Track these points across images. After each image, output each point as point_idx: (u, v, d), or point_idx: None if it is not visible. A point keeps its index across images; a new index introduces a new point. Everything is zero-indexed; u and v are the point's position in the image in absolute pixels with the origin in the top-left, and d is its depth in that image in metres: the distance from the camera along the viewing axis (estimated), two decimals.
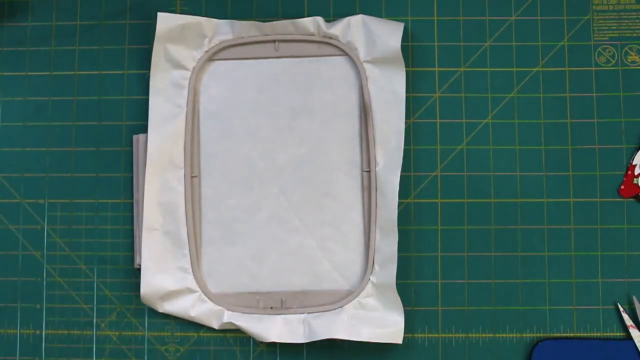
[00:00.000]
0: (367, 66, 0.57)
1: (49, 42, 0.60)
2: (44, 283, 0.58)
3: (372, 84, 0.56)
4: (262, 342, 0.56)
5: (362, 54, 0.57)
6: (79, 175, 0.59)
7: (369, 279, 0.55)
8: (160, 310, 0.56)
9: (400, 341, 0.53)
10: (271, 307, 0.56)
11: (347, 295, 0.56)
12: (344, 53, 0.57)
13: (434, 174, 0.58)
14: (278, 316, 0.56)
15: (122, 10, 0.60)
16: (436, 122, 0.59)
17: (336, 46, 0.57)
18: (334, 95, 0.57)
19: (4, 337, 0.58)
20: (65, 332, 0.58)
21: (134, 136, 0.58)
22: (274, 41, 0.58)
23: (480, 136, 0.58)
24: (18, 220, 0.59)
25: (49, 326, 0.58)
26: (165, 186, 0.57)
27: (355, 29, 0.57)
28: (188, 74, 0.58)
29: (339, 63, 0.58)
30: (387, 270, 0.55)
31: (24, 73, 0.60)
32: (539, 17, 0.59)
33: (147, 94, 0.58)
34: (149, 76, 0.58)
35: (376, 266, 0.55)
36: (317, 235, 0.57)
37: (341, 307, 0.55)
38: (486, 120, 0.58)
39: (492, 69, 0.59)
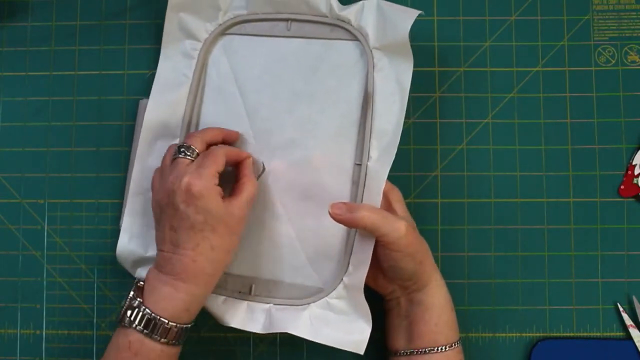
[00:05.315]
0: (375, 53, 0.55)
1: (49, 42, 0.60)
2: (44, 283, 0.58)
3: (379, 73, 0.54)
4: (262, 342, 0.56)
5: (372, 39, 0.55)
6: (79, 175, 0.59)
7: (342, 279, 0.53)
8: (135, 275, 0.54)
9: (361, 351, 0.51)
10: (239, 292, 0.55)
11: (317, 293, 0.54)
12: (355, 38, 0.55)
13: (434, 174, 0.58)
14: (243, 302, 0.54)
15: (122, 10, 0.60)
16: (436, 122, 0.59)
17: (348, 30, 0.56)
18: (338, 81, 0.55)
19: (4, 337, 0.58)
20: (65, 332, 0.58)
21: (140, 100, 0.58)
22: (287, 20, 0.57)
23: (480, 136, 0.58)
24: (18, 220, 0.59)
25: (49, 326, 0.58)
26: (156, 152, 0.56)
27: (368, 12, 0.55)
28: (199, 45, 0.57)
29: (350, 49, 0.56)
30: (358, 272, 0.52)
31: (24, 73, 0.60)
32: (539, 17, 0.59)
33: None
34: (149, 76, 0.58)
35: (351, 267, 0.52)
36: (298, 225, 0.54)
37: (308, 304, 0.53)
38: (486, 120, 0.58)
39: (492, 69, 0.59)
